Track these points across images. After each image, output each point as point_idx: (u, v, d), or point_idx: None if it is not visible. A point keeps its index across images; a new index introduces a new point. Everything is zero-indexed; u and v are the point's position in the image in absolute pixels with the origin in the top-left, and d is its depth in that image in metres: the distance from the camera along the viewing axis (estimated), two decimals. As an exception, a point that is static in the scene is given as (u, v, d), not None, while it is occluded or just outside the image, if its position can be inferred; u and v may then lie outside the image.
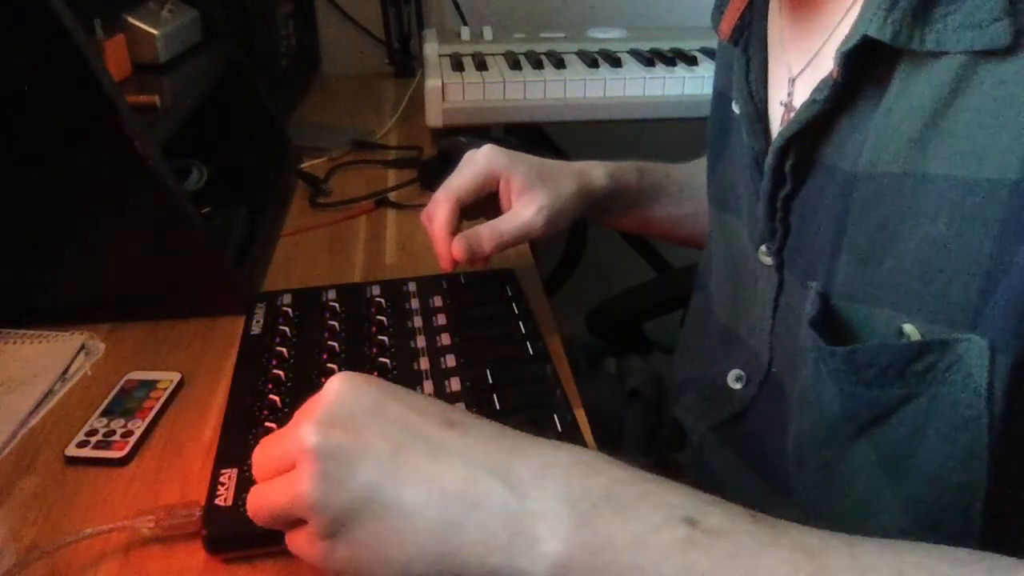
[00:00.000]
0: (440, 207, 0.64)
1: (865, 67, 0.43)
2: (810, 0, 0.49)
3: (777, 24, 0.54)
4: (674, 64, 1.12)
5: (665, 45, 1.19)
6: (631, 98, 1.08)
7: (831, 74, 0.44)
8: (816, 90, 0.45)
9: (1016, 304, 0.37)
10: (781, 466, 0.52)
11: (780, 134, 0.49)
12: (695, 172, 0.75)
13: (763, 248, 0.53)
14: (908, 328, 0.42)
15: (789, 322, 0.52)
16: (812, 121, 0.46)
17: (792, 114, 0.49)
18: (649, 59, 1.12)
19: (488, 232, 0.63)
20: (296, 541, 0.39)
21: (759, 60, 0.55)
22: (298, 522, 0.39)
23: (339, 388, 0.39)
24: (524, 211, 0.64)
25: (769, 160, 0.50)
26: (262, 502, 0.40)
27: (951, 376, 0.40)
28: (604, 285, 1.44)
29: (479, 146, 0.67)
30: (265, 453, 0.41)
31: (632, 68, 1.11)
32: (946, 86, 0.40)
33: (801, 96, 0.48)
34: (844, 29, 0.44)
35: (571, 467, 0.36)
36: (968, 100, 0.39)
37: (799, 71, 0.51)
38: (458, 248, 0.62)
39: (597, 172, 0.69)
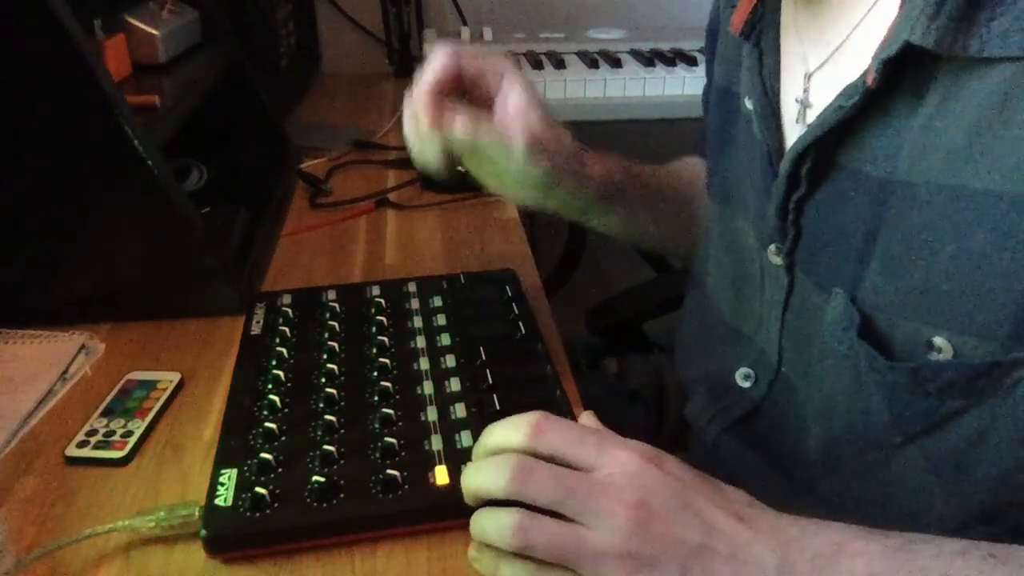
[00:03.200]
0: (435, 59, 0.55)
1: (902, 72, 0.41)
2: None
3: (792, 14, 0.52)
4: (674, 64, 1.12)
5: (665, 45, 1.19)
6: (631, 98, 1.08)
7: (864, 79, 0.42)
8: (843, 95, 0.44)
9: None
10: (802, 465, 0.52)
11: (801, 138, 0.47)
12: (674, 178, 0.74)
13: (772, 248, 0.52)
14: (938, 341, 0.41)
15: (804, 326, 0.51)
16: (837, 127, 0.45)
17: (811, 113, 0.47)
18: (649, 59, 1.13)
19: (465, 115, 0.53)
20: None
21: (772, 54, 0.53)
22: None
23: (645, 467, 0.40)
24: (511, 122, 0.54)
25: (786, 164, 0.48)
26: (543, 538, 0.39)
27: (1018, 391, 0.39)
28: (604, 285, 1.44)
29: None
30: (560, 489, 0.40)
31: (632, 68, 1.11)
32: (995, 96, 0.38)
33: (819, 94, 0.47)
34: (871, 26, 0.43)
35: (836, 554, 0.38)
36: (1017, 111, 0.38)
37: (816, 67, 0.49)
38: (430, 109, 0.53)
39: (592, 158, 0.63)
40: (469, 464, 0.44)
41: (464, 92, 0.56)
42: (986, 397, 0.40)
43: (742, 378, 0.58)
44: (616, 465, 0.40)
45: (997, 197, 0.38)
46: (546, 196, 0.59)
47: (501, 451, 0.42)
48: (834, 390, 0.48)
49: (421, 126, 0.53)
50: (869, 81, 0.42)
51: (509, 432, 0.43)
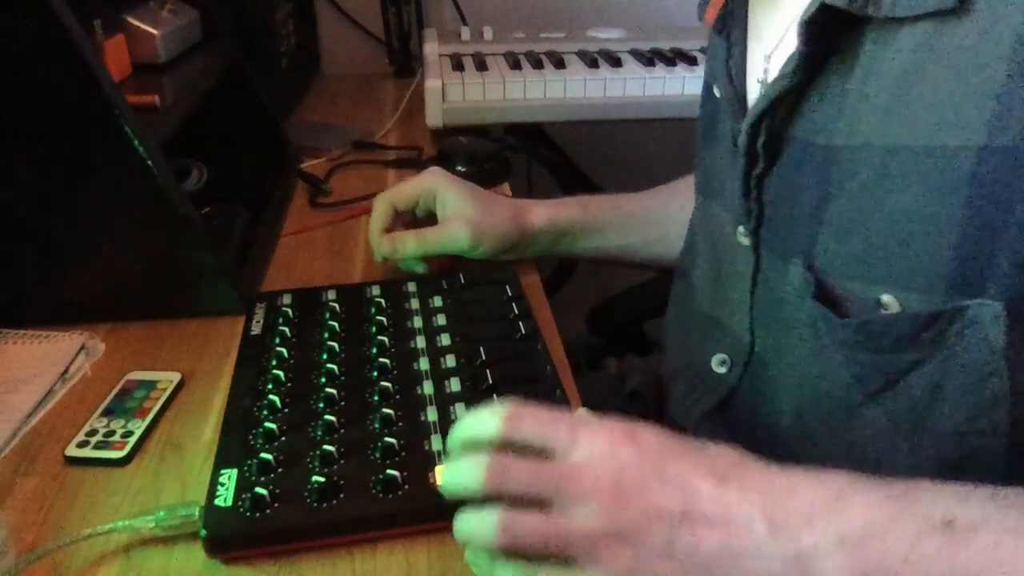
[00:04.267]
0: (376, 207, 0.73)
1: (831, 39, 0.44)
2: None
3: (754, 5, 0.55)
4: (674, 64, 1.12)
5: (665, 45, 1.19)
6: (631, 98, 1.08)
7: (797, 47, 0.45)
8: (785, 64, 0.46)
9: (1022, 266, 0.38)
10: (781, 443, 0.53)
11: (751, 111, 0.50)
12: (645, 200, 0.78)
13: (740, 228, 0.54)
14: (886, 298, 0.43)
15: (770, 301, 0.53)
16: (782, 97, 0.47)
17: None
18: (649, 59, 1.12)
19: (413, 235, 0.72)
20: None
21: (740, 43, 0.56)
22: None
23: (617, 445, 0.39)
24: (450, 223, 0.71)
25: (742, 138, 0.51)
26: (528, 533, 0.39)
27: (964, 340, 0.41)
28: (604, 285, 1.43)
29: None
30: (530, 477, 0.39)
31: (632, 68, 1.11)
32: (911, 54, 0.41)
33: (775, 72, 0.49)
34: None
35: (831, 503, 0.38)
36: (932, 68, 0.40)
37: (773, 48, 0.52)
38: (385, 243, 0.72)
39: (536, 211, 0.74)
40: (445, 463, 0.42)
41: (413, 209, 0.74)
42: (936, 350, 0.42)
43: (718, 364, 0.59)
44: (590, 446, 0.40)
45: (924, 152, 0.41)
46: (504, 255, 0.74)
47: (475, 444, 0.41)
48: (800, 359, 0.50)
49: (382, 254, 0.72)
50: (798, 45, 0.44)
51: (481, 424, 0.42)
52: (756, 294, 0.54)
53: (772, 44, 0.52)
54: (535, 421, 0.41)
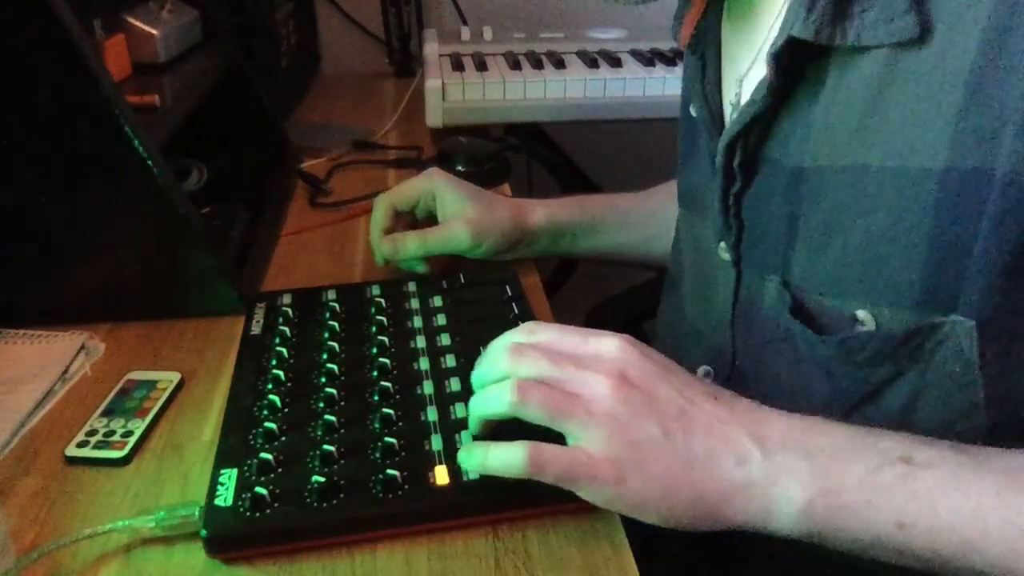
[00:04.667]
0: (377, 208, 0.73)
1: (798, 66, 0.45)
2: (750, 2, 0.52)
3: (727, 28, 0.56)
4: (674, 64, 1.12)
5: (665, 45, 1.19)
6: (631, 98, 1.08)
7: (767, 75, 0.46)
8: (755, 90, 0.48)
9: (991, 284, 0.40)
10: None
11: (725, 132, 0.51)
12: (644, 200, 0.79)
13: (722, 244, 0.55)
14: (861, 314, 0.45)
15: (749, 315, 0.54)
16: (754, 120, 0.48)
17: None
18: (649, 59, 1.12)
19: (414, 235, 0.71)
20: (581, 458, 0.43)
21: (714, 64, 0.57)
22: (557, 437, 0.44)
23: (629, 346, 0.45)
24: (451, 223, 0.72)
25: (719, 158, 0.52)
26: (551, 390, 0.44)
27: (940, 354, 0.42)
28: (604, 285, 1.43)
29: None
30: (565, 344, 0.46)
31: (632, 68, 1.11)
32: (875, 79, 0.42)
33: (747, 95, 0.50)
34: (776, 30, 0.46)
35: (805, 431, 0.43)
36: (895, 92, 0.41)
37: (745, 71, 0.53)
38: (386, 244, 0.71)
39: (535, 210, 0.75)
40: (474, 396, 0.48)
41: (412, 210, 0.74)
42: (913, 364, 0.44)
43: (702, 375, 0.60)
44: (602, 345, 0.45)
45: (891, 172, 0.42)
46: (504, 255, 0.74)
47: (501, 348, 0.47)
48: (777, 372, 0.52)
49: (383, 255, 0.72)
50: (767, 74, 0.46)
51: (507, 335, 0.48)
52: (737, 309, 0.56)
53: (744, 67, 0.53)
54: (552, 329, 0.48)
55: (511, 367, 0.45)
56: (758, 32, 0.52)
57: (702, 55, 0.57)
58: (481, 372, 0.48)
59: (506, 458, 0.44)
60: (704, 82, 0.57)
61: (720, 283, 0.57)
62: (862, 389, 0.46)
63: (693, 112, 0.58)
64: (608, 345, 0.45)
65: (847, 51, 0.43)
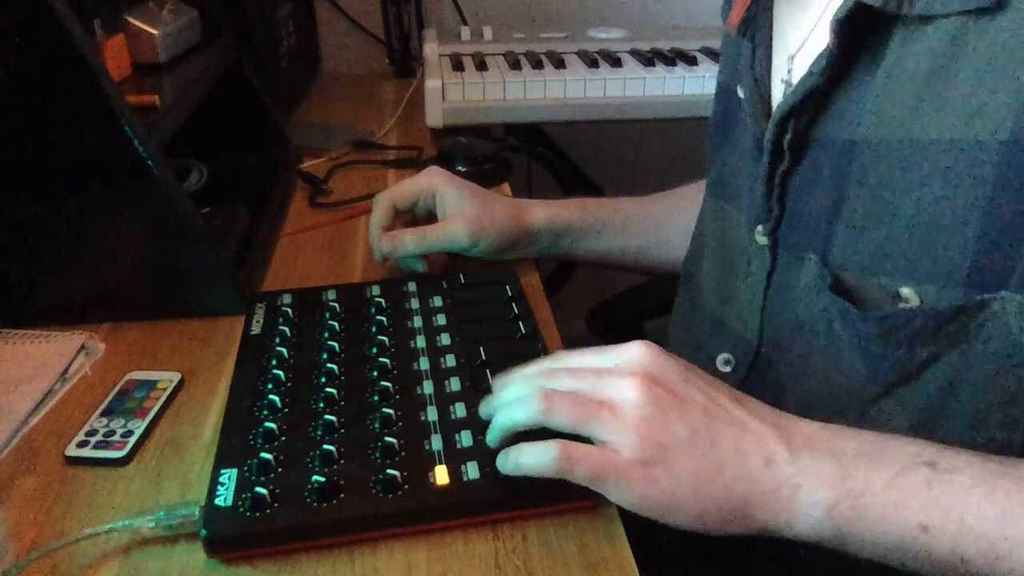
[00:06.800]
0: (376, 206, 0.73)
1: (860, 37, 0.45)
2: None
3: (779, 7, 0.56)
4: (674, 64, 1.12)
5: (665, 45, 1.19)
6: (631, 98, 1.08)
7: (828, 46, 0.45)
8: (813, 63, 0.47)
9: None
10: None
11: (779, 107, 0.50)
12: (647, 205, 0.78)
13: (759, 228, 0.55)
14: (905, 291, 0.44)
15: (783, 299, 0.54)
16: (810, 94, 0.48)
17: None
18: (649, 59, 1.12)
19: (413, 233, 0.71)
20: (612, 458, 0.43)
21: (764, 46, 0.56)
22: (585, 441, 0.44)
23: (651, 351, 0.46)
24: (450, 221, 0.72)
25: (768, 135, 0.51)
26: (580, 393, 0.45)
27: (984, 332, 0.42)
28: (604, 285, 1.43)
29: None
30: (589, 361, 0.48)
31: (632, 68, 1.11)
32: (941, 50, 0.41)
33: (800, 72, 0.49)
34: (836, 4, 0.45)
35: (829, 435, 0.43)
36: (962, 63, 0.41)
37: (797, 48, 0.53)
38: (385, 241, 0.71)
39: (535, 210, 0.75)
40: (498, 411, 0.48)
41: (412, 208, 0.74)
42: (956, 343, 0.43)
43: (722, 364, 0.60)
44: (625, 353, 0.46)
45: (949, 145, 0.41)
46: (503, 255, 0.73)
47: (525, 372, 0.49)
48: (810, 354, 0.51)
49: (382, 253, 0.71)
50: (830, 44, 0.45)
51: (528, 365, 0.50)
52: (769, 294, 0.55)
53: (796, 45, 0.53)
54: (575, 353, 0.49)
55: (537, 384, 0.46)
56: (813, 8, 0.52)
57: (752, 37, 0.57)
58: (504, 393, 0.48)
59: (538, 454, 0.44)
60: (754, 64, 0.56)
61: (751, 270, 0.56)
62: (899, 371, 0.46)
63: (741, 94, 0.57)
64: (631, 351, 0.46)
65: (912, 21, 0.42)
